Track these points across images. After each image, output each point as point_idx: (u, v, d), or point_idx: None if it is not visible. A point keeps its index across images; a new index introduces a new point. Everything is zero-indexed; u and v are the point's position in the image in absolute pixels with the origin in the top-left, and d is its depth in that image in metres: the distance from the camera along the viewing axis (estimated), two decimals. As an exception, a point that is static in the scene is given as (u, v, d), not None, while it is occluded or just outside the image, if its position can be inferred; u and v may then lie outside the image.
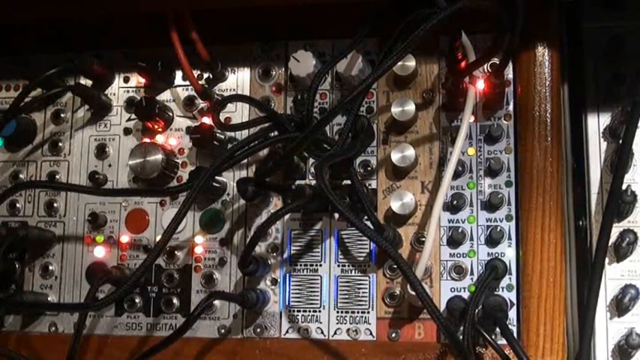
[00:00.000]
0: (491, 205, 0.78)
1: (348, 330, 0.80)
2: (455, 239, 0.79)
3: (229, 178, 0.85)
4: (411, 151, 0.79)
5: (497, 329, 0.74)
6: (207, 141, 0.83)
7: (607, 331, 0.75)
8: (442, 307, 0.78)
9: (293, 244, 0.83)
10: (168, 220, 0.76)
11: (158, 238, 0.85)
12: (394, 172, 0.82)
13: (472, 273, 0.78)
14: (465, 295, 0.78)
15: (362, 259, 0.81)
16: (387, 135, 0.83)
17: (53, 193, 0.89)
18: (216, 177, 0.83)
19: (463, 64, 0.77)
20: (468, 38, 0.78)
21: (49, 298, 0.87)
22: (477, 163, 0.80)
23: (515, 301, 0.77)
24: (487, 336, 0.73)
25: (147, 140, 0.87)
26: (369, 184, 0.82)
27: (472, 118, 0.80)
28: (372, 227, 0.73)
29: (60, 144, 0.90)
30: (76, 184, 0.89)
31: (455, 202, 0.79)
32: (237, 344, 0.82)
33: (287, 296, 0.82)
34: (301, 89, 0.85)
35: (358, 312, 0.80)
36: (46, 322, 0.87)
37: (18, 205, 0.90)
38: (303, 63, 0.82)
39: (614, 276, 0.76)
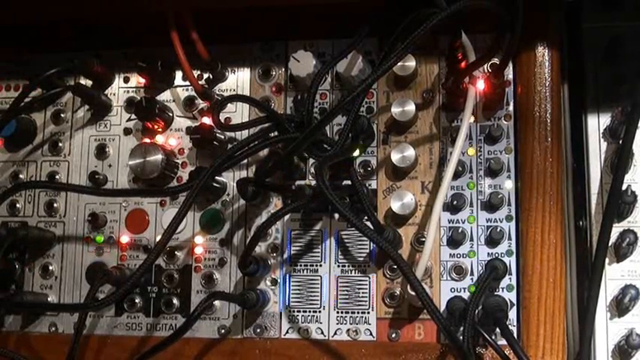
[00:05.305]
0: (491, 205, 0.78)
1: (348, 330, 0.80)
2: (455, 239, 0.78)
3: (229, 178, 0.85)
4: (411, 151, 0.79)
5: (497, 329, 0.75)
6: (207, 141, 0.83)
7: (607, 331, 0.75)
8: (442, 307, 0.78)
9: (293, 245, 0.83)
10: (168, 220, 0.76)
11: (158, 238, 0.85)
12: (394, 172, 0.82)
13: (472, 273, 0.78)
14: (465, 295, 0.78)
15: (362, 259, 0.81)
16: (387, 135, 0.83)
17: (53, 193, 0.89)
18: (216, 177, 0.83)
19: (463, 64, 0.77)
20: (468, 38, 0.77)
21: (49, 299, 0.87)
22: (477, 163, 0.80)
23: (515, 302, 0.77)
24: (487, 336, 0.73)
25: (147, 140, 0.87)
26: (369, 184, 0.82)
27: (472, 118, 0.80)
28: (372, 227, 0.73)
29: (60, 144, 0.90)
30: (76, 184, 0.89)
31: (455, 202, 0.79)
32: (237, 344, 0.82)
33: (287, 296, 0.82)
34: (301, 89, 0.85)
35: (358, 312, 0.80)
36: (46, 322, 0.87)
37: (18, 205, 0.90)
38: (303, 63, 0.82)
39: (614, 276, 0.76)
